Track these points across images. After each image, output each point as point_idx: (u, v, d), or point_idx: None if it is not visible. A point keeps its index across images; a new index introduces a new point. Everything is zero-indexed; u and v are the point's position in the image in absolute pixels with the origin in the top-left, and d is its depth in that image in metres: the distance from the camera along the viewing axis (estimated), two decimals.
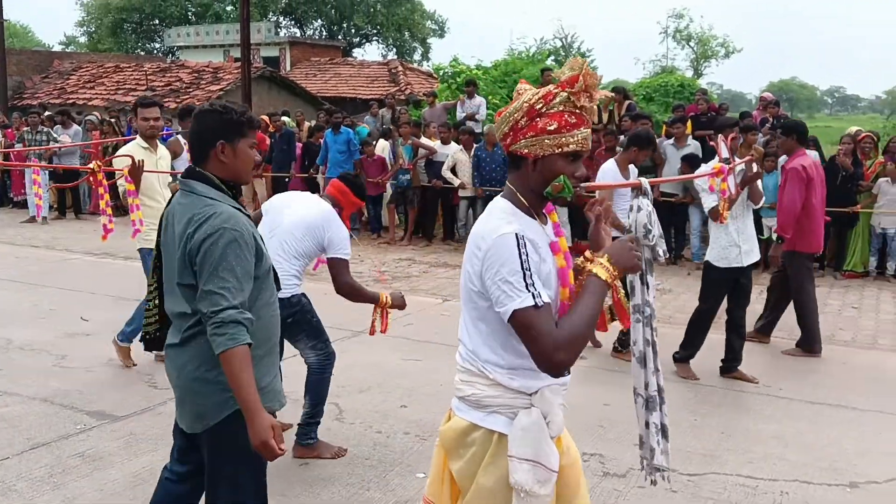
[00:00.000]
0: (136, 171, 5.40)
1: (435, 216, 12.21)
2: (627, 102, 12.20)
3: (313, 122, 15.56)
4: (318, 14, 39.20)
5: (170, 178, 5.95)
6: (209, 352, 2.49)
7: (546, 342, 1.99)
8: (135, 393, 5.39)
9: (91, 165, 5.47)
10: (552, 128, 2.09)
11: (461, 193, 11.54)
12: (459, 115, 13.59)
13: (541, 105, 2.10)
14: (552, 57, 26.49)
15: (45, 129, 13.32)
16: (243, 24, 17.08)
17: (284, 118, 14.06)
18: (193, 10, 37.18)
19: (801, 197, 6.22)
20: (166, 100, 19.44)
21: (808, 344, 6.55)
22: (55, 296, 8.17)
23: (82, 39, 40.48)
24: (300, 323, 4.22)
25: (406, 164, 11.71)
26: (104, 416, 4.96)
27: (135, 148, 5.66)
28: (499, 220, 2.12)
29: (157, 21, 37.06)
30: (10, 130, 14.60)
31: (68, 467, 4.26)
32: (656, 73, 33.05)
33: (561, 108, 2.09)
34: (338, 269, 4.17)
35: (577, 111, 2.11)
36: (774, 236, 7.12)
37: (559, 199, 2.18)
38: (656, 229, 2.83)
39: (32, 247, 11.14)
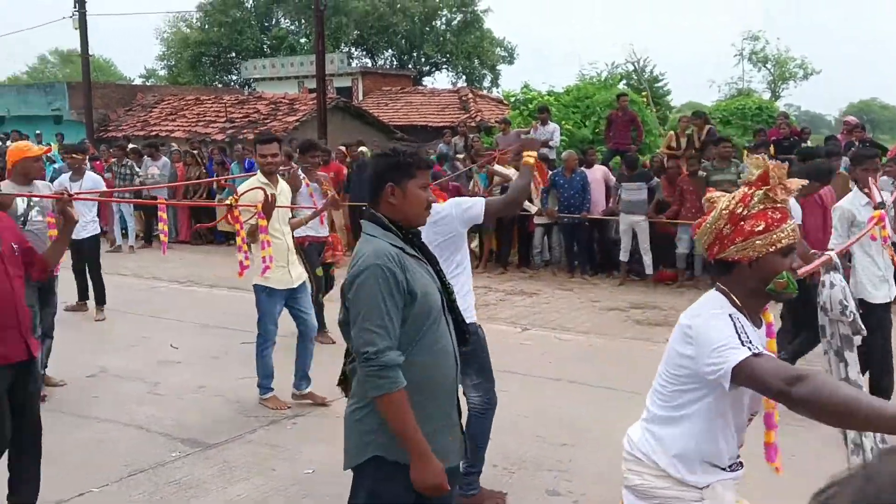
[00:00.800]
0: (268, 207, 5.29)
1: (510, 243, 12.18)
2: (708, 127, 12.01)
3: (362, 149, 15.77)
4: (388, 44, 39.87)
5: (290, 214, 5.98)
6: (361, 391, 2.51)
7: (775, 380, 1.90)
8: (226, 421, 5.48)
9: (228, 201, 5.39)
10: (760, 228, 2.13)
11: (537, 220, 11.49)
12: None
13: (741, 209, 2.15)
14: (624, 81, 26.31)
15: (130, 163, 13.78)
16: (318, 57, 17.50)
17: (362, 148, 14.27)
18: (268, 42, 38.25)
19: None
20: (245, 131, 19.99)
21: None
22: (145, 323, 8.41)
23: (162, 72, 42.04)
24: (474, 353, 4.02)
25: (482, 191, 11.72)
26: (197, 444, 5.06)
27: (255, 184, 5.57)
28: (712, 307, 2.16)
29: (233, 54, 38.24)
30: (98, 162, 15.20)
31: (166, 494, 4.35)
32: (732, 95, 32.47)
33: (762, 207, 2.14)
34: None
35: (779, 205, 2.14)
36: None
37: (784, 295, 2.19)
38: (852, 304, 2.77)
39: (120, 275, 11.51)
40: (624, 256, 10.57)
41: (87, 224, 8.26)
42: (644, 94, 20.68)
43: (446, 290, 2.72)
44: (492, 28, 41.58)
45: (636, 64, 29.25)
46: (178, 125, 21.98)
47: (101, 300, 8.68)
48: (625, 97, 13.61)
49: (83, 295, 8.86)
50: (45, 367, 6.04)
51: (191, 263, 12.23)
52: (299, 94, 24.23)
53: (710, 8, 75.44)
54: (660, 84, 29.88)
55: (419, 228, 2.74)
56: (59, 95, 23.91)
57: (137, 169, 13.88)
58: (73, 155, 8.76)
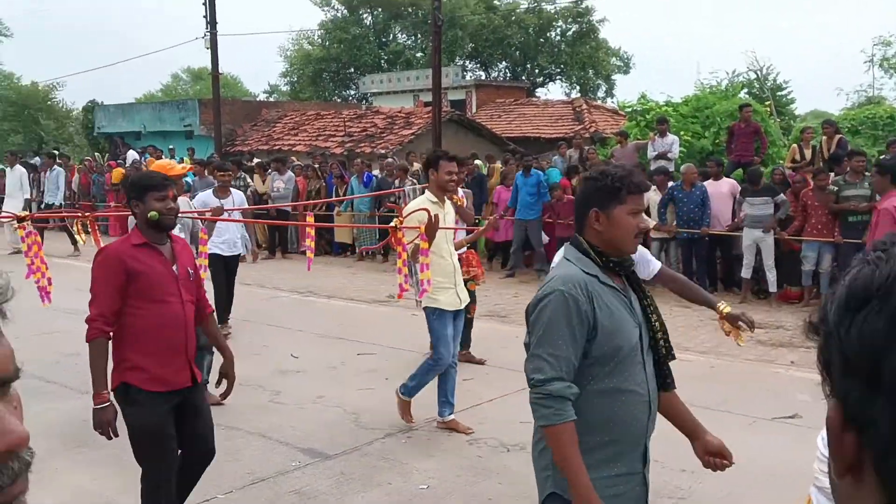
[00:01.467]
0: (431, 228, 5.02)
1: None
2: (838, 137, 11.42)
3: (498, 164, 15.83)
4: (502, 56, 40.01)
5: (453, 234, 5.88)
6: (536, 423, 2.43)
7: None
8: (344, 432, 5.61)
9: (393, 223, 5.21)
10: None
11: (654, 235, 11.22)
12: (651, 153, 13.29)
13: None
14: (745, 90, 25.38)
15: (243, 175, 14.27)
16: (435, 71, 17.74)
17: (476, 161, 14.33)
18: (385, 57, 39.13)
19: None
20: (361, 145, 20.50)
21: None
22: (266, 333, 8.73)
23: (285, 88, 43.68)
24: None
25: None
26: (316, 454, 5.20)
27: (425, 202, 5.39)
28: None
29: (352, 69, 39.32)
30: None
31: None
32: (861, 103, 30.76)
33: None
34: None
35: None
36: None
37: None
38: None
39: (245, 285, 11.99)
40: (746, 273, 10.17)
41: (236, 242, 8.40)
42: (767, 103, 19.88)
43: (650, 327, 2.55)
44: (607, 38, 40.98)
45: (758, 72, 28.17)
46: (299, 139, 22.78)
47: (224, 317, 8.54)
48: (748, 108, 13.13)
49: (224, 315, 8.43)
50: (207, 382, 6.15)
51: (310, 274, 12.60)
52: (415, 108, 24.64)
53: (838, 12, 71.73)
54: (783, 92, 28.63)
55: (631, 257, 2.57)
56: (190, 112, 25.26)
57: (250, 181, 14.42)
58: (222, 172, 8.41)
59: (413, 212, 5.29)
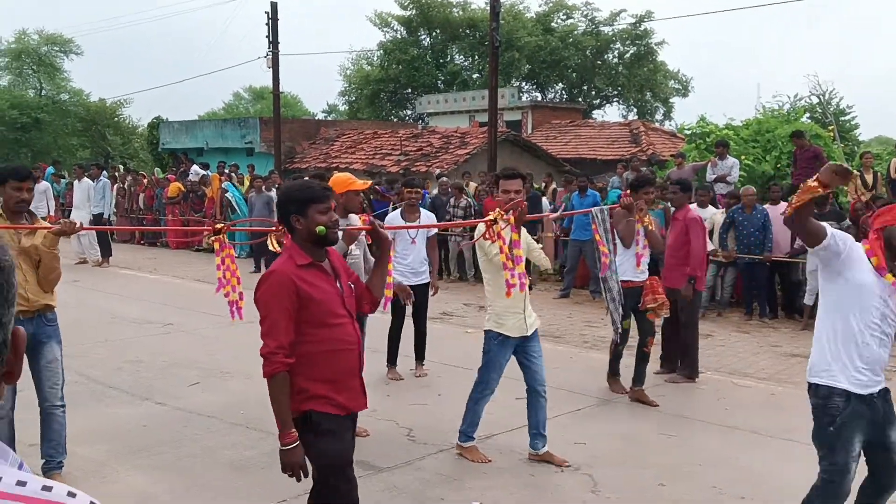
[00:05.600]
0: (521, 216, 4.86)
1: None
2: None
3: (554, 185, 15.80)
4: (559, 78, 40.01)
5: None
6: None
7: None
8: (396, 446, 5.63)
9: (493, 215, 4.91)
10: None
11: (712, 258, 11.04)
12: (709, 176, 13.13)
13: None
14: (808, 115, 24.90)
15: None
16: (491, 92, 17.84)
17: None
18: (443, 78, 39.47)
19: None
20: (417, 164, 20.67)
21: None
22: None
23: (343, 108, 44.36)
24: None
25: (659, 230, 11.42)
26: (369, 467, 5.22)
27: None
28: None
29: (409, 90, 39.75)
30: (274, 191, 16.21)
31: None
32: None
33: None
34: None
35: None
36: None
37: None
38: None
39: None
40: (809, 300, 9.92)
41: (422, 267, 7.29)
42: (830, 128, 19.46)
43: None
44: (666, 60, 40.66)
45: (821, 96, 27.59)
46: (356, 157, 23.08)
47: (420, 355, 7.62)
48: (799, 134, 12.93)
49: (420, 354, 7.63)
50: None
51: None
52: (470, 128, 24.77)
53: None
54: (847, 117, 27.99)
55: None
56: (251, 129, 25.81)
57: None
58: (411, 189, 7.24)
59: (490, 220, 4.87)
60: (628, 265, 6.57)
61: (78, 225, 5.11)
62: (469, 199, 13.91)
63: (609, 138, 24.85)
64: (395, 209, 7.82)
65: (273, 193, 14.74)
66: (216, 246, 4.69)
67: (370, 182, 8.48)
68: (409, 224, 7.08)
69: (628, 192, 6.76)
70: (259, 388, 6.88)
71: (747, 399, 6.97)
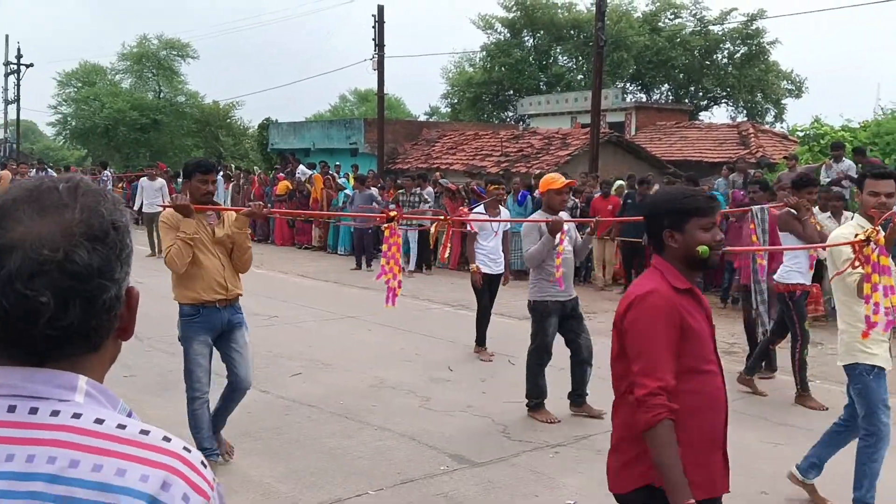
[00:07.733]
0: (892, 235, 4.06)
1: None
2: None
3: (656, 186, 15.42)
4: (665, 78, 39.14)
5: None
6: None
7: None
8: (491, 442, 5.65)
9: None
10: None
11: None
12: (823, 179, 12.56)
13: None
14: None
15: (417, 191, 14.76)
16: (595, 93, 17.64)
17: (618, 182, 14.21)
18: (546, 80, 39.24)
19: None
20: (517, 165, 20.64)
21: None
22: (419, 341, 8.93)
23: (444, 110, 44.75)
24: None
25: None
26: (464, 461, 5.26)
27: (850, 230, 4.31)
28: None
29: (511, 91, 39.71)
30: (385, 192, 16.48)
31: None
32: None
33: None
34: None
35: None
36: None
37: None
38: None
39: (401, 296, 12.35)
40: None
41: (500, 257, 8.12)
42: None
43: None
44: (778, 60, 39.15)
45: None
46: (457, 158, 23.24)
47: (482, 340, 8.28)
48: None
49: (482, 338, 8.28)
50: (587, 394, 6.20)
51: (459, 287, 12.78)
52: (572, 129, 24.54)
53: None
54: None
55: None
56: (356, 130, 26.40)
57: (427, 197, 14.83)
58: (496, 185, 8.29)
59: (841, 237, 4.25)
60: (804, 267, 6.39)
61: (266, 209, 5.42)
62: (574, 200, 13.82)
63: (716, 140, 24.13)
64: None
65: (374, 191, 15.62)
66: (387, 233, 5.01)
67: (572, 181, 8.84)
68: (493, 219, 7.90)
69: (792, 190, 6.57)
70: (358, 381, 7.09)
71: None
